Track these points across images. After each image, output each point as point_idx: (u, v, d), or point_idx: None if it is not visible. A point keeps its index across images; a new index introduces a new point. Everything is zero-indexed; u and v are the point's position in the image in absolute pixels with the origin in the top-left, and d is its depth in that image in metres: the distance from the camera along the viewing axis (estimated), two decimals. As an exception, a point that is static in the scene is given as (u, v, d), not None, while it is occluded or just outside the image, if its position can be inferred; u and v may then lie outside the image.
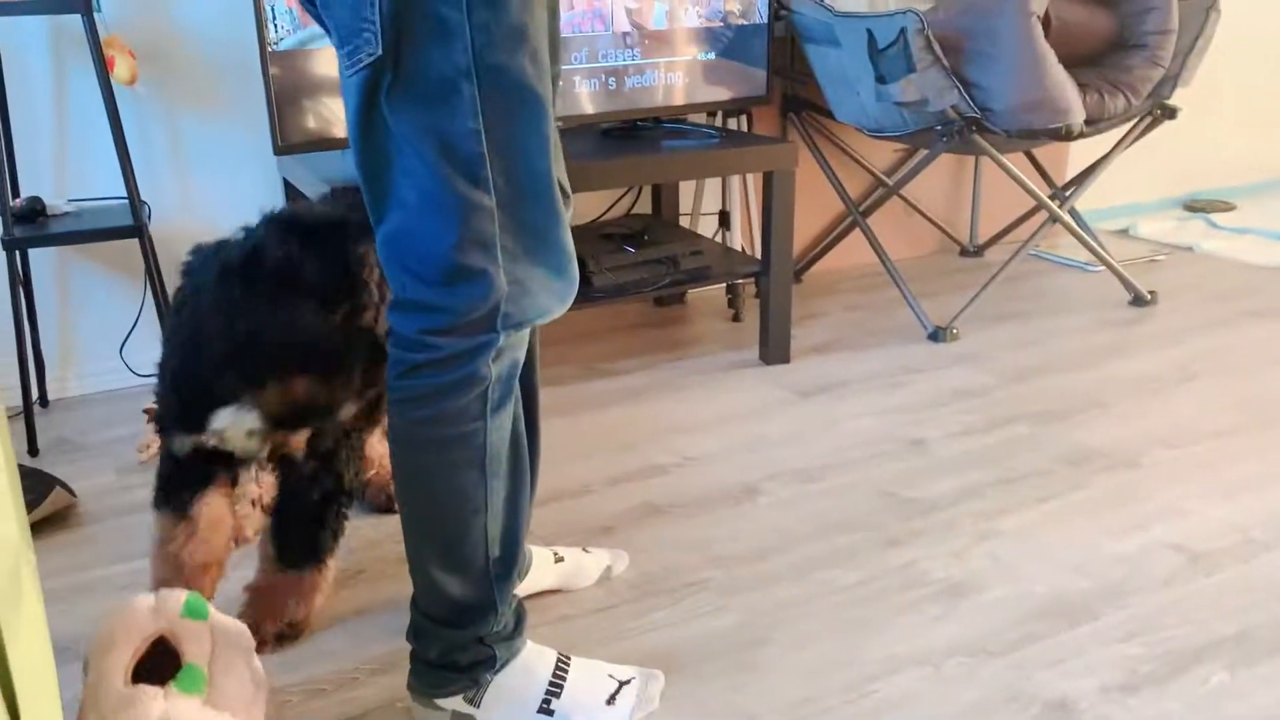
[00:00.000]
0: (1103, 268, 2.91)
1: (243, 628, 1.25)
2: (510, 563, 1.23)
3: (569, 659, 1.31)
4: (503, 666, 1.26)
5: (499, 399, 1.15)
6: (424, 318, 1.10)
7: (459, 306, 1.08)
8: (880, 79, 2.49)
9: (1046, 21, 2.68)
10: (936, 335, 2.61)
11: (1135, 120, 2.70)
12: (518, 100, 1.05)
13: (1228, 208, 3.76)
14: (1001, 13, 2.39)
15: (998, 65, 2.41)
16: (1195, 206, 3.80)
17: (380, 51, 1.00)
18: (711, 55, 2.54)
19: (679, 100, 2.54)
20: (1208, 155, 3.90)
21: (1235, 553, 1.64)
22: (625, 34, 2.43)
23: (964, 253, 3.36)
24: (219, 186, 2.41)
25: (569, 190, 1.30)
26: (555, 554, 1.58)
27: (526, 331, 1.15)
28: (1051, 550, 1.66)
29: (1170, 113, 2.68)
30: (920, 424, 2.13)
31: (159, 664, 1.18)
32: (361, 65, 1.02)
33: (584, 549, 1.63)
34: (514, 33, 1.03)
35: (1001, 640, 1.44)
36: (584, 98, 2.43)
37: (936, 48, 2.39)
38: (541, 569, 1.55)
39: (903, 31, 2.39)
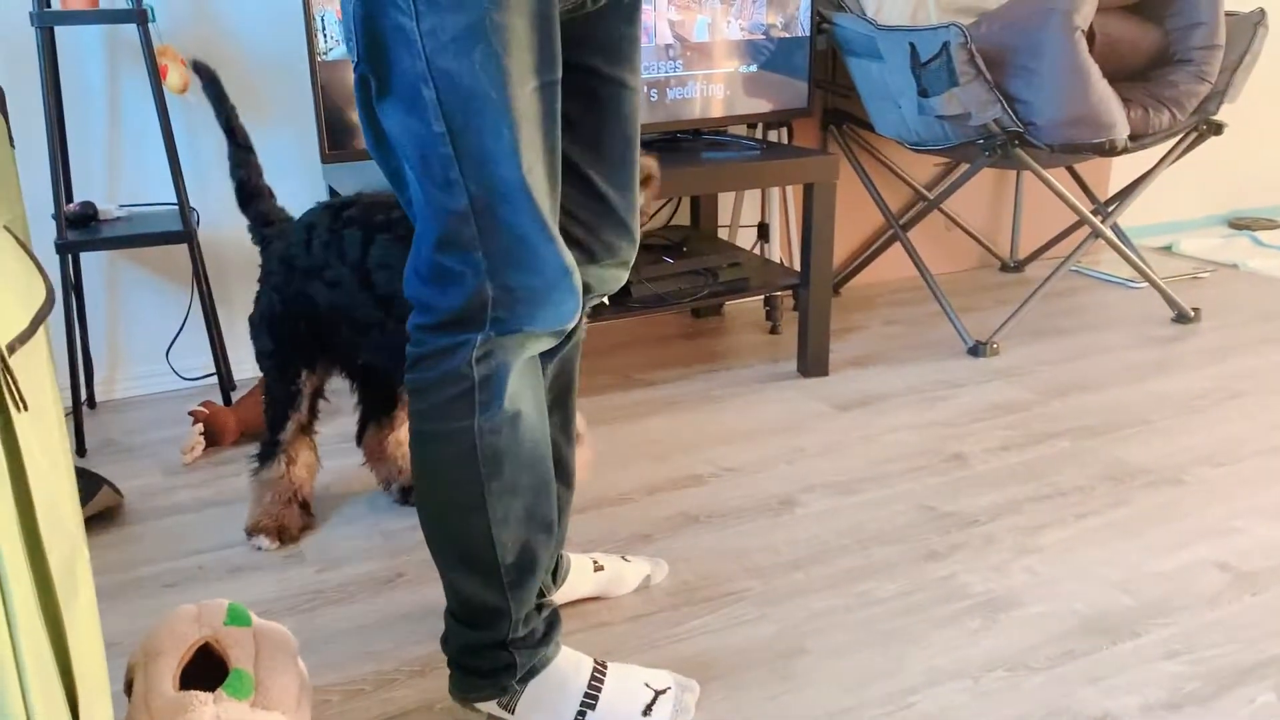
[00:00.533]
0: (1145, 284, 2.89)
1: (285, 631, 1.27)
2: (526, 571, 1.23)
3: (605, 667, 1.31)
4: (534, 674, 1.26)
5: (487, 401, 1.15)
6: (418, 313, 1.15)
7: (443, 305, 1.12)
8: (923, 92, 2.49)
9: (1091, 36, 2.67)
10: (977, 350, 2.59)
11: (1180, 136, 2.67)
12: (471, 104, 1.04)
13: (1274, 225, 3.72)
14: (1045, 26, 2.38)
15: (1041, 79, 2.40)
16: (1240, 224, 3.76)
17: (355, 58, 1.08)
18: (753, 67, 2.55)
19: (720, 112, 2.55)
20: (1253, 172, 3.85)
21: (1282, 573, 1.61)
22: (668, 46, 2.45)
23: (1004, 268, 3.34)
24: (265, 194, 2.45)
25: (633, 231, 1.33)
26: (595, 562, 1.59)
27: (523, 338, 1.14)
28: (1093, 566, 1.64)
29: (1217, 129, 2.66)
30: (960, 438, 2.12)
31: (205, 671, 1.20)
32: (358, 72, 1.09)
33: (624, 557, 1.63)
34: (468, 35, 1.02)
35: (1042, 655, 1.43)
36: (626, 109, 2.44)
37: (979, 61, 2.38)
38: (580, 576, 1.56)
39: (945, 45, 2.38)
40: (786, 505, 1.87)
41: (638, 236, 1.35)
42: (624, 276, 1.36)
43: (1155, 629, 1.48)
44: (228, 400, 2.29)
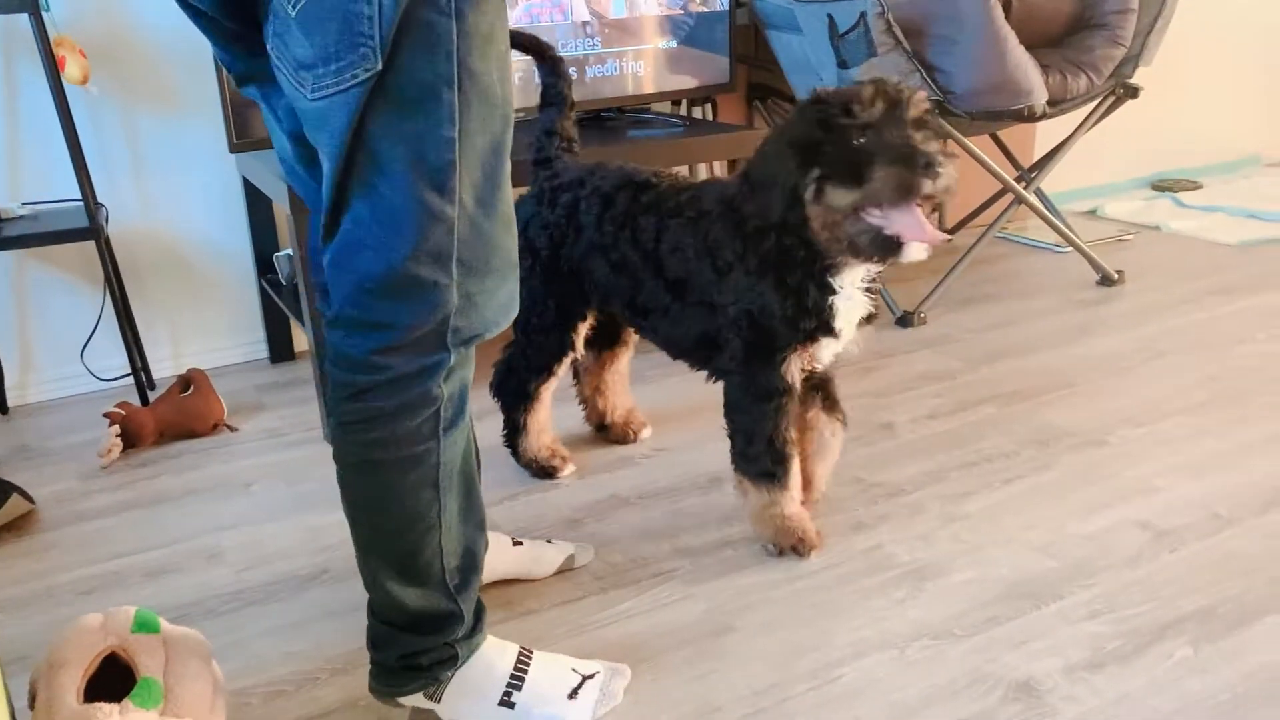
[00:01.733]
0: (1070, 249, 2.92)
1: (197, 635, 1.24)
2: (469, 571, 1.21)
3: (531, 653, 1.30)
4: (463, 662, 1.25)
5: (451, 418, 1.13)
6: (373, 336, 1.07)
7: (407, 321, 1.06)
8: (842, 64, 2.48)
9: (1008, 3, 2.68)
10: (905, 320, 2.60)
11: (1098, 100, 2.70)
12: (490, 107, 1.03)
13: (1194, 186, 3.78)
14: (962, -5, 2.38)
15: (959, 48, 2.41)
16: (1162, 186, 3.82)
17: (380, 66, 0.97)
18: (673, 43, 2.53)
19: (642, 89, 2.53)
20: (1174, 135, 3.91)
21: (1200, 529, 1.64)
22: (585, 23, 2.41)
23: (934, 237, 3.35)
24: (177, 186, 2.38)
25: None
26: (512, 539, 1.57)
27: (474, 350, 1.13)
28: (1017, 531, 1.66)
29: (1133, 92, 2.68)
30: (889, 408, 2.13)
31: (112, 681, 1.16)
32: (358, 81, 0.98)
33: (548, 540, 1.62)
34: (489, 36, 1.01)
35: (967, 623, 1.44)
36: (545, 89, 2.41)
37: (898, 31, 2.38)
38: (498, 553, 1.54)
39: (863, 16, 2.38)
40: (717, 483, 1.86)
41: None
42: None
43: (1078, 590, 1.50)
44: (145, 400, 2.23)
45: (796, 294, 1.50)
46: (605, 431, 2.05)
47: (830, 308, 1.51)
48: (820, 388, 1.67)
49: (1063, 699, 1.28)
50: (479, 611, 1.27)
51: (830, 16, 2.44)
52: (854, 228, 1.40)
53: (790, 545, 1.60)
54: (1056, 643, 1.39)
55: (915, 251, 1.39)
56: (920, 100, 1.40)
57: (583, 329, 1.83)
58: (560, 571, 1.60)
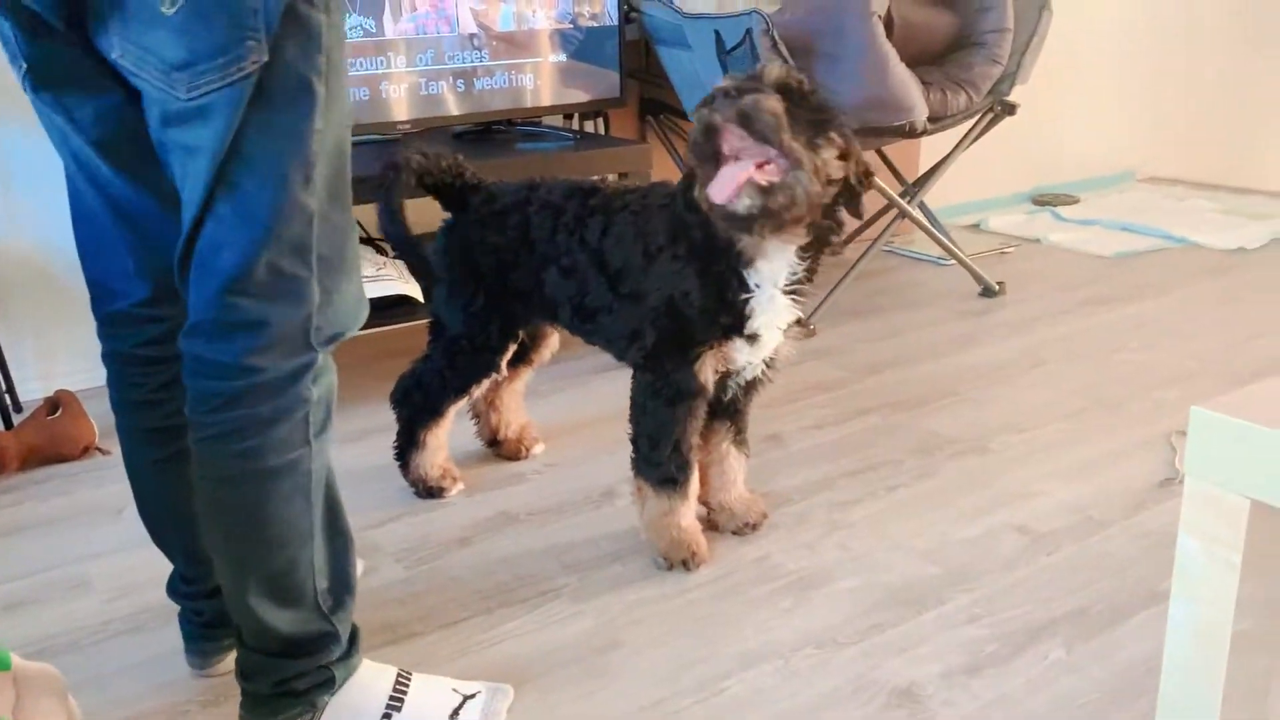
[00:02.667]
0: (954, 261, 2.99)
1: (52, 671, 1.17)
2: (341, 591, 1.18)
3: (410, 674, 1.27)
4: (340, 686, 1.21)
5: (321, 422, 1.11)
6: (241, 338, 1.04)
7: (274, 319, 1.04)
8: (730, 79, 2.50)
9: (889, 21, 2.74)
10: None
11: (978, 117, 2.78)
12: (344, 102, 1.06)
13: (1072, 201, 3.92)
14: (845, 12, 2.43)
15: (842, 64, 2.46)
16: (1042, 200, 3.95)
17: (266, 58, 0.96)
18: (563, 57, 2.52)
19: (531, 102, 2.51)
20: (1053, 151, 4.05)
21: (1074, 532, 1.69)
22: (472, 35, 2.39)
23: (825, 250, 3.41)
24: (45, 201, 2.27)
25: None
26: None
27: (333, 352, 1.11)
28: (901, 538, 1.68)
29: (1010, 109, 2.77)
30: (777, 419, 2.15)
31: (-42, 720, 1.09)
32: (244, 74, 0.96)
33: None
34: (344, 32, 1.05)
35: (851, 630, 1.45)
36: (432, 100, 2.38)
37: (782, 48, 2.41)
38: None
39: (749, 32, 2.41)
40: (608, 497, 1.85)
41: None
42: None
43: (958, 595, 1.52)
44: (9, 424, 2.12)
45: (718, 285, 1.48)
46: (498, 448, 2.03)
47: (747, 306, 1.49)
48: (733, 419, 1.67)
49: (942, 704, 1.30)
50: (354, 633, 1.23)
51: (717, 32, 2.47)
52: (710, 201, 1.38)
53: (681, 559, 1.60)
54: (937, 648, 1.41)
55: (717, 195, 1.34)
56: (773, 71, 1.39)
57: (511, 349, 1.81)
58: None
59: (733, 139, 1.34)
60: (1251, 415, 0.79)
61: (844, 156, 1.42)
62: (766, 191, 1.34)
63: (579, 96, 2.57)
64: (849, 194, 1.45)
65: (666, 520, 1.59)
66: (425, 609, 1.53)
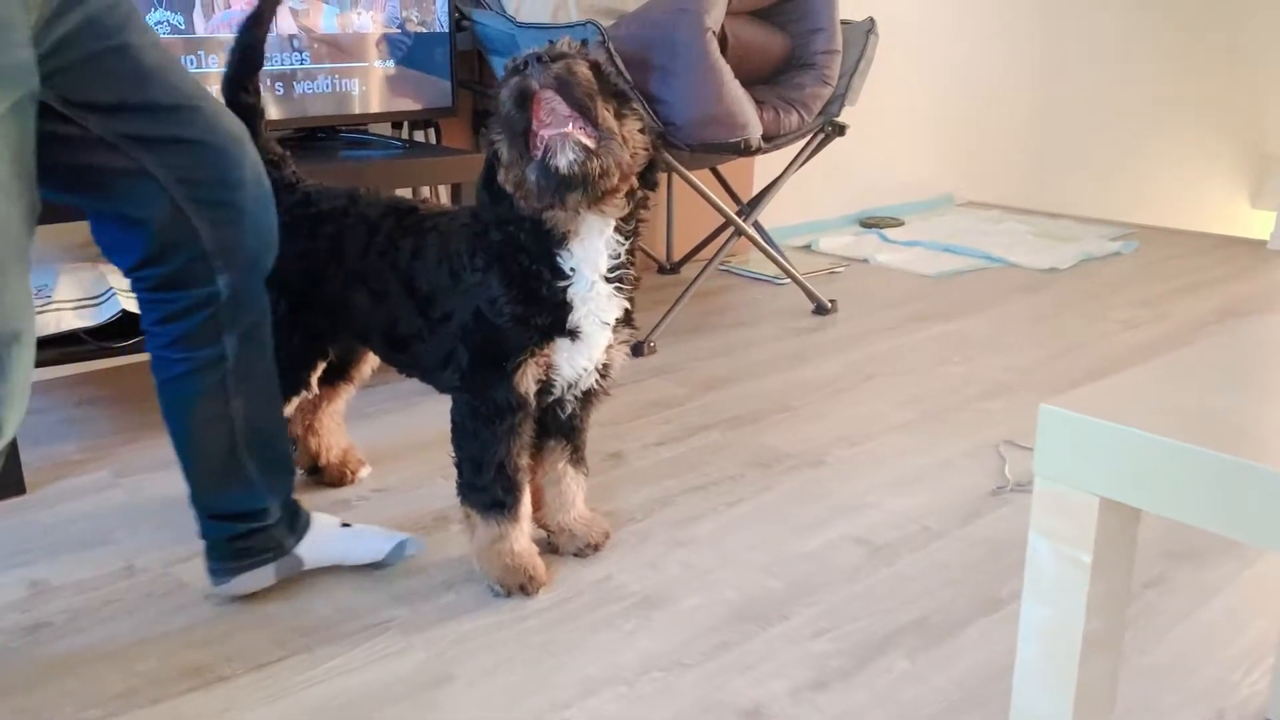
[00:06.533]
0: (788, 280, 3.03)
1: None
2: None
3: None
4: None
5: None
6: None
7: None
8: (565, 91, 2.45)
9: (724, 39, 2.76)
10: (636, 349, 2.59)
11: (809, 137, 2.82)
12: None
13: (897, 223, 4.05)
14: (678, 27, 2.42)
15: (677, 80, 2.44)
16: (869, 223, 4.07)
17: None
18: (391, 64, 2.42)
19: (357, 109, 2.40)
20: (879, 175, 4.19)
21: (911, 542, 1.69)
22: (292, 36, 2.26)
23: (661, 270, 3.40)
24: None
25: None
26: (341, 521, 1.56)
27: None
28: (742, 553, 1.65)
29: (840, 129, 2.82)
30: (618, 437, 2.10)
31: None
32: None
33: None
34: None
35: (695, 651, 1.40)
36: (248, 104, 2.23)
37: (618, 61, 2.38)
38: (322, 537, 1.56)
39: (584, 44, 2.36)
40: (441, 522, 1.75)
41: None
42: None
43: (801, 610, 1.50)
44: None
45: (525, 282, 1.40)
46: (319, 474, 1.89)
47: (565, 298, 1.41)
48: (569, 437, 1.60)
49: (789, 722, 1.26)
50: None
51: (552, 43, 2.41)
52: (522, 171, 1.32)
53: (518, 585, 1.52)
54: (782, 665, 1.37)
55: (561, 159, 1.28)
56: (568, 44, 1.38)
57: (321, 367, 1.70)
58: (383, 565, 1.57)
59: (548, 108, 1.29)
60: (1098, 412, 0.78)
61: (643, 130, 1.39)
62: (589, 153, 1.29)
63: (408, 105, 2.47)
64: (650, 167, 1.42)
65: (497, 547, 1.51)
66: (236, 649, 1.39)
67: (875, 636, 1.43)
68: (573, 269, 1.40)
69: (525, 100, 1.30)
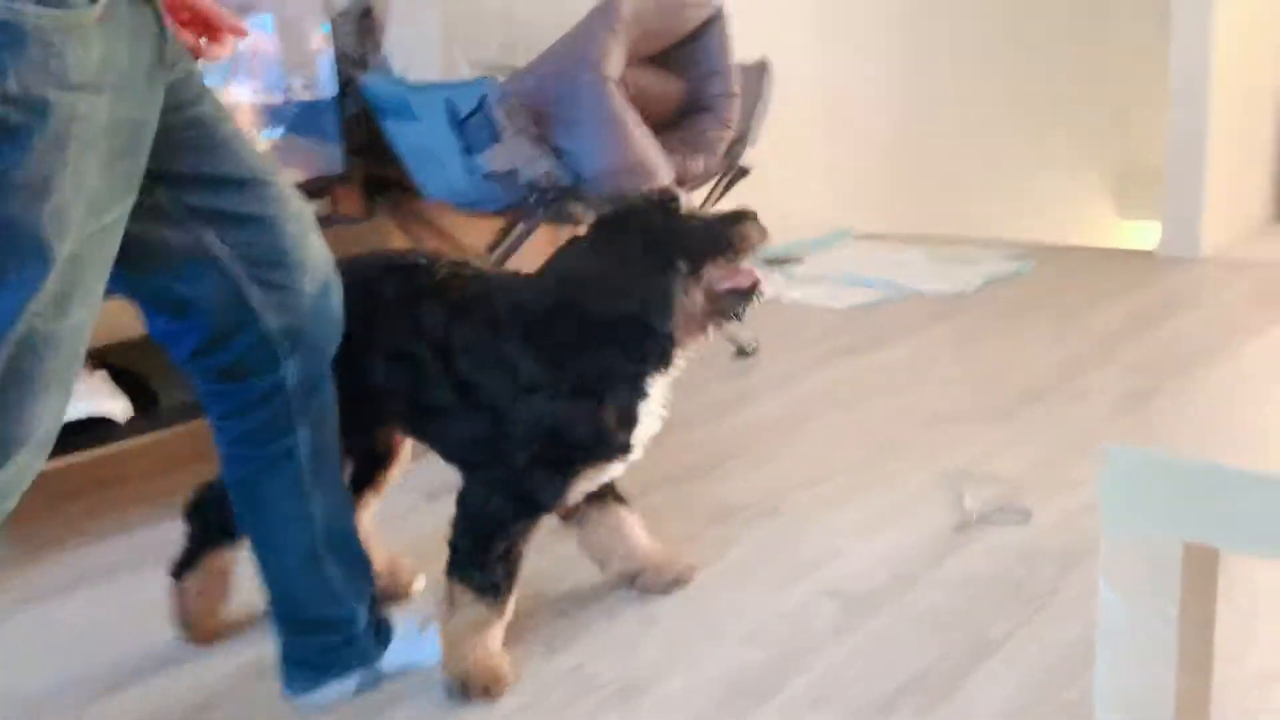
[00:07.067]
0: (706, 325, 2.96)
1: None
2: None
3: None
4: None
5: None
6: None
7: None
8: (467, 149, 2.35)
9: (625, 86, 2.69)
10: (560, 411, 2.48)
11: (716, 179, 2.77)
12: None
13: (798, 260, 4.04)
14: (576, 78, 2.35)
15: (582, 130, 2.37)
16: (773, 261, 4.05)
17: None
18: (278, 132, 2.28)
19: (245, 184, 2.24)
20: (777, 213, 4.16)
21: (888, 591, 1.61)
22: (169, 112, 2.10)
23: (572, 325, 3.30)
24: None
25: None
26: None
27: None
28: (718, 624, 1.54)
29: (743, 172, 2.78)
30: (560, 508, 1.97)
31: None
32: None
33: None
34: None
35: (691, 738, 1.29)
36: (125, 187, 2.06)
37: (520, 116, 2.29)
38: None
39: (483, 99, 2.27)
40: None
41: None
42: None
43: (792, 679, 1.40)
44: None
45: (618, 410, 1.38)
46: None
47: (639, 414, 1.42)
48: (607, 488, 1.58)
49: (807, 808, 1.16)
50: None
51: (449, 101, 2.31)
52: (719, 296, 1.46)
53: (482, 686, 1.38)
54: (786, 742, 1.27)
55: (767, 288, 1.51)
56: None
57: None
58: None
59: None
60: (1165, 450, 0.71)
61: None
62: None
63: (298, 175, 2.33)
64: None
65: (474, 637, 1.37)
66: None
67: (877, 700, 1.34)
68: (650, 391, 1.42)
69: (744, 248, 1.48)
